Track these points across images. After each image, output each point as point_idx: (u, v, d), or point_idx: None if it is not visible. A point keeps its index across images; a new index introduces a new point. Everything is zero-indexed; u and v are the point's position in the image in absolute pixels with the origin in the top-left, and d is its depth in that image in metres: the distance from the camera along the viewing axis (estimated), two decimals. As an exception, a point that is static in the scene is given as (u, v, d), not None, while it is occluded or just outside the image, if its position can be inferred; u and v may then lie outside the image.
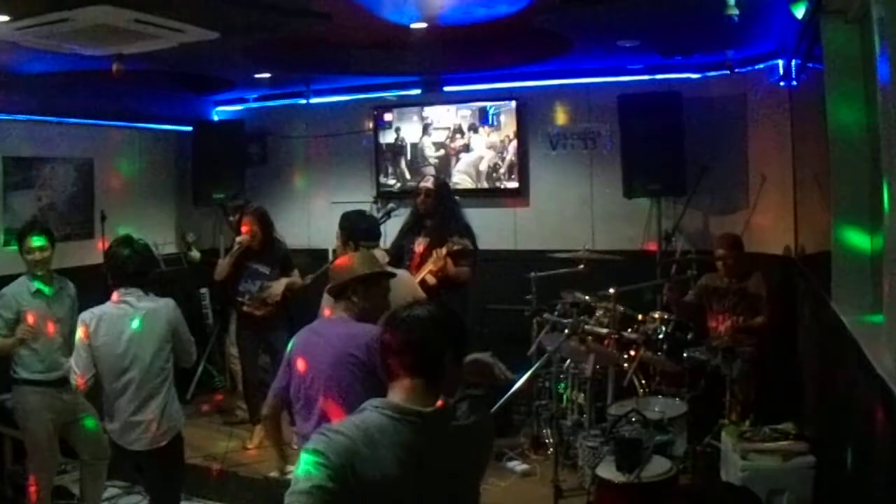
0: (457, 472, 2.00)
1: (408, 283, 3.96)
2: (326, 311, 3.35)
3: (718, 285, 5.35)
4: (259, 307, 5.57)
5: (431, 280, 4.93)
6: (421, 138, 6.91)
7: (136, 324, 3.63)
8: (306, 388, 3.00)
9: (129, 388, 3.63)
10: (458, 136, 6.76)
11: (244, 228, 5.64)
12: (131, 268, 3.69)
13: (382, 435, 1.84)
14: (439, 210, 5.22)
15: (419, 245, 5.20)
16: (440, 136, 6.84)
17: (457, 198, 5.50)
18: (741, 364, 4.85)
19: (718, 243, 5.45)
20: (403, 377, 1.95)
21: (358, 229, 4.00)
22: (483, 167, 6.69)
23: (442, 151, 6.83)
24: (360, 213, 4.13)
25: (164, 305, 3.77)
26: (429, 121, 6.87)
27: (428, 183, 5.36)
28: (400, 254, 5.25)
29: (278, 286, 5.54)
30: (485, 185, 6.69)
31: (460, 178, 6.73)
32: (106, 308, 3.68)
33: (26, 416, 4.28)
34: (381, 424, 1.86)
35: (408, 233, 5.35)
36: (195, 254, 6.19)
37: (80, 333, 3.65)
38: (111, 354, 3.61)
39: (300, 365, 3.02)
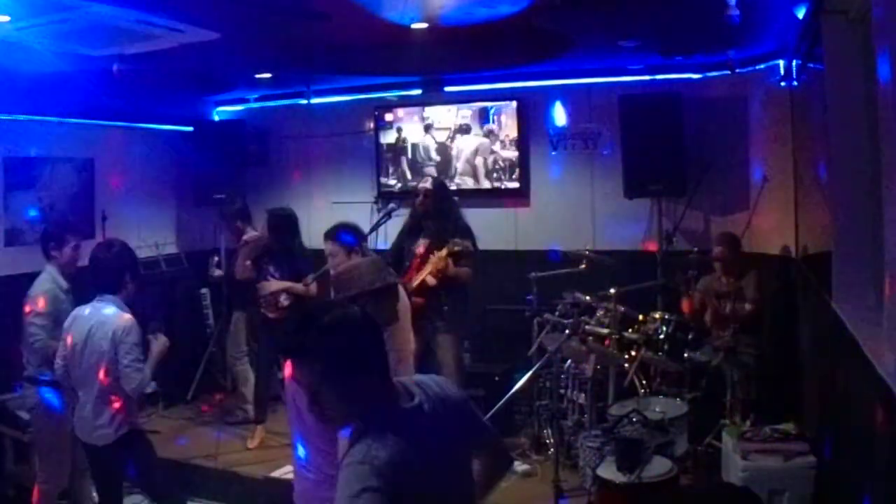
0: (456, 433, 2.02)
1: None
2: None
3: (718, 287, 5.34)
4: (271, 309, 5.59)
5: (432, 281, 4.94)
6: (422, 138, 6.91)
7: (84, 333, 3.63)
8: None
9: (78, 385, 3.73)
10: (458, 136, 6.77)
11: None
12: (99, 274, 3.70)
13: (408, 441, 1.83)
14: (438, 211, 5.21)
15: (419, 246, 5.20)
16: (441, 136, 6.84)
17: (455, 198, 5.49)
18: (742, 364, 4.84)
19: (716, 241, 5.45)
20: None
21: (357, 237, 4.01)
22: (484, 166, 6.69)
23: (443, 151, 6.83)
24: (343, 224, 4.13)
25: (112, 322, 3.61)
26: (430, 121, 6.87)
27: (426, 184, 5.36)
28: (400, 255, 5.25)
29: (268, 286, 5.56)
30: (486, 185, 6.69)
31: (461, 178, 6.74)
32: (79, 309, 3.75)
33: (49, 418, 4.19)
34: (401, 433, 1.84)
35: (408, 234, 5.34)
36: (219, 272, 6.43)
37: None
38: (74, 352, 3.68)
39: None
